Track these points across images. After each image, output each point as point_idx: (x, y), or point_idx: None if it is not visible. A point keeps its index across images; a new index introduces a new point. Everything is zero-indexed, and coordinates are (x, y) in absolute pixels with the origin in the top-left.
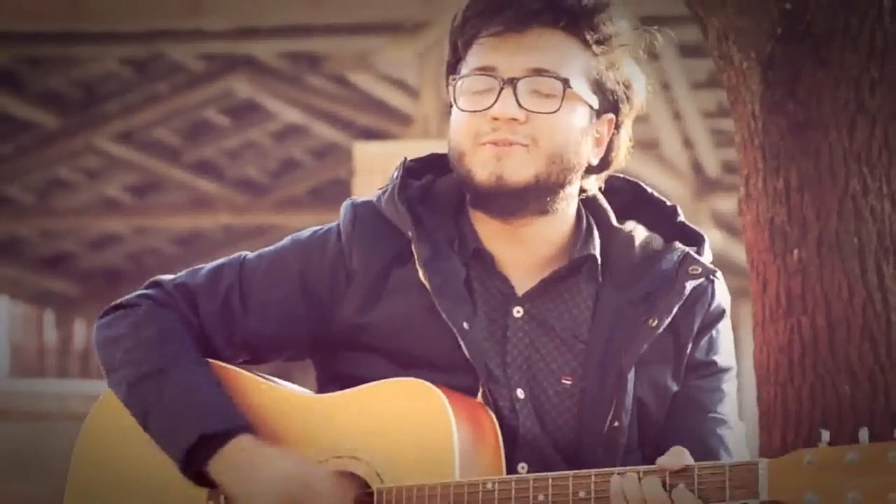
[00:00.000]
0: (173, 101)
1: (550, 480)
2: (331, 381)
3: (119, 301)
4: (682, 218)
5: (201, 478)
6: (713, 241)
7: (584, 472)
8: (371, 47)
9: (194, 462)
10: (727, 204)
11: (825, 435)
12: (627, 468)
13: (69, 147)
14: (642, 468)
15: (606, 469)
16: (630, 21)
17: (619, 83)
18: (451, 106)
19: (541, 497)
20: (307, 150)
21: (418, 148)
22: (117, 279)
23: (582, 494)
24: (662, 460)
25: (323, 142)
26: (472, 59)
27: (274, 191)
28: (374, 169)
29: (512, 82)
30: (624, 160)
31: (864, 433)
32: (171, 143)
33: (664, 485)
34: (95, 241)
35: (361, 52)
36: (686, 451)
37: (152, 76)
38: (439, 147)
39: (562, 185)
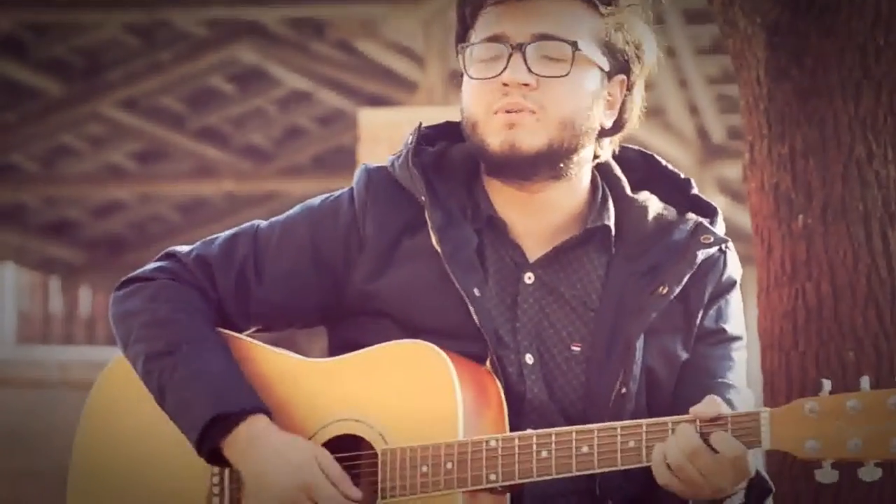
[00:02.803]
0: (178, 68)
1: (554, 437)
2: (342, 347)
3: (136, 273)
4: (695, 191)
5: (215, 455)
6: (719, 207)
7: (586, 427)
8: (376, 14)
9: (209, 440)
10: (733, 170)
11: (826, 384)
12: (634, 422)
13: (73, 114)
14: (671, 419)
15: (609, 424)
16: None
17: (628, 44)
18: (462, 76)
19: (544, 454)
20: (312, 118)
21: (423, 115)
22: (122, 246)
23: (585, 450)
24: (696, 408)
25: (328, 109)
26: (481, 28)
27: (278, 158)
28: (379, 136)
29: (520, 48)
30: (637, 122)
31: (864, 381)
32: (176, 111)
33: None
34: (100, 208)
35: (367, 19)
36: (719, 400)
37: (157, 43)
38: (444, 114)
39: (575, 150)
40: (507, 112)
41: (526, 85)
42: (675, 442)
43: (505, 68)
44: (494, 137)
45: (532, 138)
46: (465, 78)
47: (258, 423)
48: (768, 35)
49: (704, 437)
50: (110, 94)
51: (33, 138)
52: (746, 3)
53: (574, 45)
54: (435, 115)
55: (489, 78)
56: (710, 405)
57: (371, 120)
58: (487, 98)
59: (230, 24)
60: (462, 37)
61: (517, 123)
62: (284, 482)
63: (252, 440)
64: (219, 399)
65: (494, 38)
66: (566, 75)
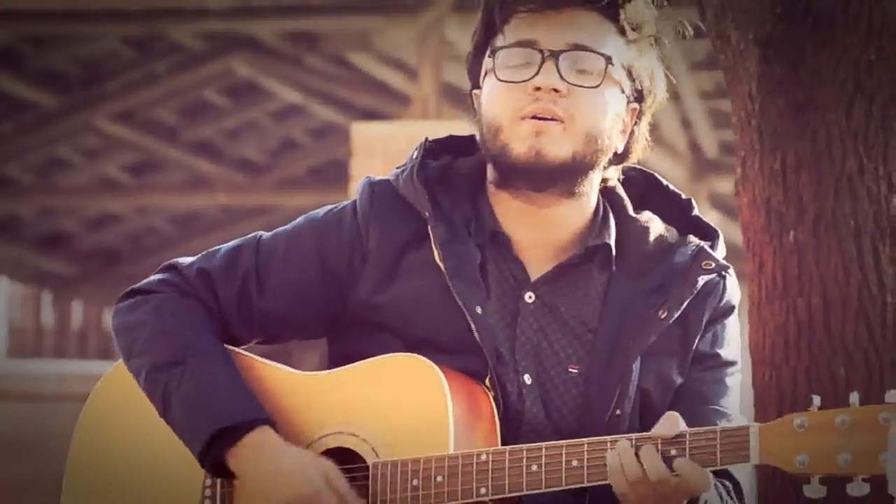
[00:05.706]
0: (173, 80)
1: (544, 450)
2: (342, 359)
3: (139, 285)
4: (696, 212)
5: (218, 468)
6: (711, 222)
7: (576, 441)
8: (370, 27)
9: (214, 452)
10: (725, 185)
11: (816, 400)
12: (619, 436)
13: (68, 126)
14: (635, 435)
15: (599, 438)
16: (653, 11)
17: (646, 73)
18: (481, 81)
19: (534, 467)
20: (306, 131)
21: (417, 129)
22: (116, 259)
23: (575, 464)
24: (657, 428)
25: (322, 122)
26: (511, 33)
27: (272, 171)
28: (373, 149)
29: (554, 55)
30: (642, 153)
31: (854, 396)
32: (171, 123)
33: (662, 455)
34: (94, 220)
35: (360, 33)
36: (680, 417)
37: (152, 55)
38: (437, 127)
39: (592, 167)
40: (536, 118)
41: (557, 91)
42: (636, 461)
43: (537, 73)
44: (520, 143)
45: (558, 148)
46: (490, 82)
47: (265, 433)
48: (761, 49)
49: (667, 460)
50: (105, 106)
51: (28, 150)
52: (739, 17)
53: (608, 59)
54: (428, 129)
55: (520, 82)
56: (670, 424)
57: (364, 133)
58: (515, 102)
59: (225, 38)
60: (484, 39)
61: (544, 132)
62: (290, 492)
63: (259, 448)
64: (225, 411)
65: (527, 44)
66: (597, 87)
